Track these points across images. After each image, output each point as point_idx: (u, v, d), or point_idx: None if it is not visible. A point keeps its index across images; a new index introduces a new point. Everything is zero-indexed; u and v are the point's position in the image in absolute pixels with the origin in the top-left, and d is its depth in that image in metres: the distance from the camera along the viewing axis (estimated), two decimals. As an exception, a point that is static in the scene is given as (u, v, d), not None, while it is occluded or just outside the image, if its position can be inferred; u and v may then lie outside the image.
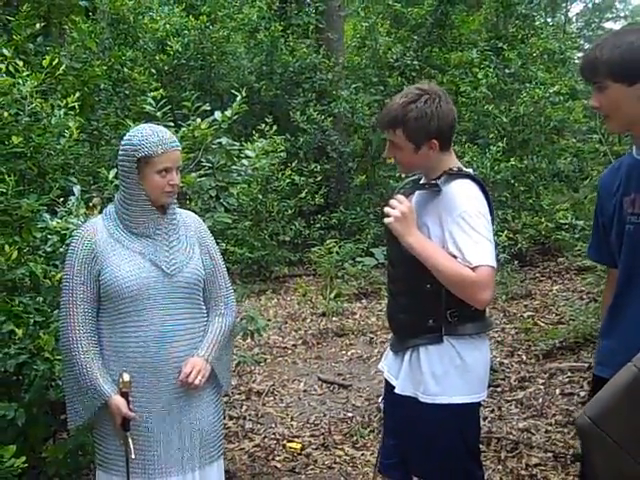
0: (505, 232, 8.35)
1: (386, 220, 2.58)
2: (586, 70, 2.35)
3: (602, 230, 2.56)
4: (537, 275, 9.05)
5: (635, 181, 2.38)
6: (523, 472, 4.21)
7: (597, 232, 2.64)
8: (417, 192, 2.75)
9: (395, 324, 2.86)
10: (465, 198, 2.56)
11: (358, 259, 9.49)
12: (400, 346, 2.79)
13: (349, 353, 6.79)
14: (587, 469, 1.99)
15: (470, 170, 2.71)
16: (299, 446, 4.75)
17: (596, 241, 2.65)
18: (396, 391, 2.75)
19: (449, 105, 2.66)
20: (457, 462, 2.69)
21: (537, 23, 14.06)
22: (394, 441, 2.86)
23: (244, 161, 4.42)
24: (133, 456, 2.66)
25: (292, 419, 5.26)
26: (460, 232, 2.52)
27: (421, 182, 2.77)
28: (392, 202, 2.59)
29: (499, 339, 6.62)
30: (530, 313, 7.37)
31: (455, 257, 2.51)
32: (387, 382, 2.88)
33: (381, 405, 2.97)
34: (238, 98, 4.34)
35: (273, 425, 5.13)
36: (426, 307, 2.66)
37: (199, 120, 4.25)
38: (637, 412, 1.87)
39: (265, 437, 4.92)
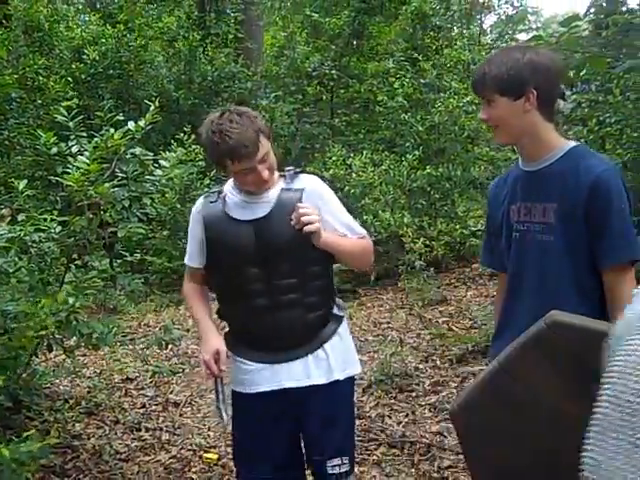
0: (421, 239, 8.50)
1: (313, 227, 2.65)
2: (476, 84, 2.49)
3: (493, 238, 2.70)
4: (452, 281, 9.22)
5: (520, 191, 2.53)
6: (435, 475, 4.29)
7: (488, 239, 2.79)
8: (293, 196, 2.79)
9: (298, 332, 2.83)
10: (325, 186, 2.88)
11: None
12: (308, 347, 2.84)
13: (268, 361, 6.78)
14: (465, 460, 2.13)
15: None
16: (215, 456, 4.72)
17: (488, 248, 2.80)
18: (321, 382, 2.83)
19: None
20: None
21: (453, 34, 14.41)
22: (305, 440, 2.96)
23: (158, 171, 4.41)
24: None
25: (209, 429, 5.23)
26: (340, 213, 2.86)
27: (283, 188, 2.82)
28: (303, 211, 2.66)
29: (414, 345, 6.72)
30: (445, 319, 7.51)
31: (345, 235, 2.83)
32: (291, 391, 2.85)
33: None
34: (152, 108, 4.34)
35: (190, 436, 5.09)
36: (327, 296, 2.90)
37: (112, 130, 4.23)
38: (498, 403, 2.01)
39: (182, 448, 4.88)
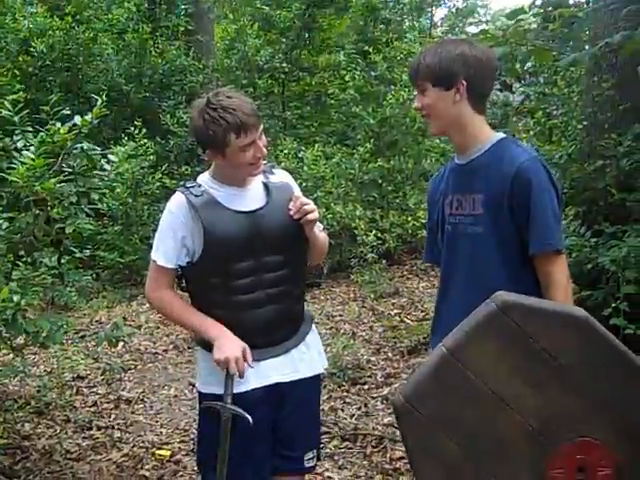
0: (374, 232, 8.55)
1: (314, 215, 2.72)
2: (412, 74, 2.56)
3: (432, 233, 2.75)
4: (405, 273, 9.29)
5: (452, 184, 2.59)
6: (387, 466, 4.33)
7: (429, 236, 2.83)
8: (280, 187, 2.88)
9: (285, 325, 2.82)
10: (292, 181, 2.99)
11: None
12: (292, 340, 2.85)
13: (219, 356, 6.76)
14: (406, 450, 2.11)
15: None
16: (168, 453, 4.69)
17: (429, 244, 2.83)
18: (305, 375, 2.85)
19: None
20: None
21: (404, 27, 14.47)
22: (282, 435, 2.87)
23: (107, 166, 4.36)
24: None
25: (162, 426, 5.21)
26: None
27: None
28: (304, 200, 2.73)
29: (367, 337, 6.77)
30: (397, 311, 7.57)
31: None
32: (276, 386, 2.80)
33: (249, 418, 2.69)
34: (99, 102, 4.29)
35: (142, 433, 5.06)
36: (304, 285, 2.99)
37: (59, 124, 4.17)
38: (444, 390, 2.01)
39: (134, 446, 4.84)
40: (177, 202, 2.76)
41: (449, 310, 2.55)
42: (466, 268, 2.50)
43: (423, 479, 2.09)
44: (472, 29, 24.30)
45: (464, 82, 2.41)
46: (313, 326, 2.97)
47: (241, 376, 2.66)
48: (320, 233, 2.91)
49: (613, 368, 1.99)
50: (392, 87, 10.45)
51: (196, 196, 2.72)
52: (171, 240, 2.73)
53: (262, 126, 2.70)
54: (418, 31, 13.51)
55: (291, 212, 2.71)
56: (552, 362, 1.98)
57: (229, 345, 2.66)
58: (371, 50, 11.19)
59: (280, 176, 2.92)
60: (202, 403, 2.83)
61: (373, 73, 10.97)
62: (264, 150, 2.70)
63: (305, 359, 2.86)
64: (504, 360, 1.98)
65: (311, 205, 2.71)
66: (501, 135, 2.52)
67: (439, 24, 22.98)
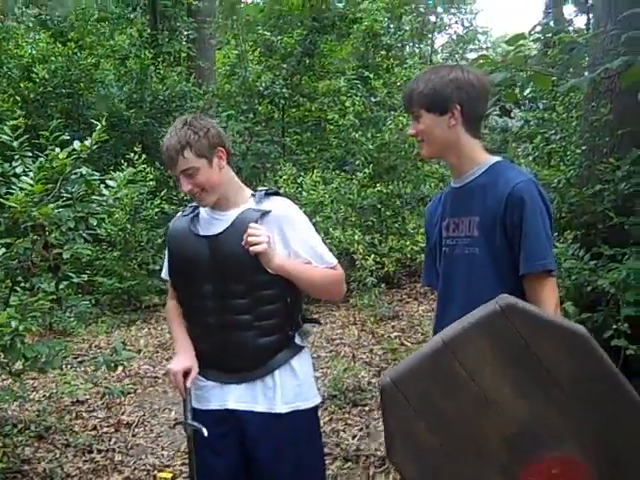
0: (372, 256, 8.56)
1: (258, 248, 2.58)
2: (406, 101, 2.56)
3: (430, 256, 2.76)
4: (404, 297, 9.29)
5: (449, 207, 2.60)
6: (390, 487, 4.33)
7: (427, 259, 2.83)
8: (251, 217, 2.73)
9: (248, 354, 2.76)
10: (296, 210, 2.80)
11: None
12: (255, 373, 2.76)
13: (220, 381, 6.75)
14: (385, 432, 2.08)
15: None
16: (170, 475, 4.67)
17: (427, 267, 2.82)
18: (261, 410, 2.74)
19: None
20: None
21: (405, 53, 14.56)
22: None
23: (105, 191, 4.38)
24: None
25: (163, 449, 5.19)
26: (310, 239, 2.76)
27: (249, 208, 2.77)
28: (251, 231, 2.60)
29: (367, 360, 6.75)
30: (397, 334, 7.56)
31: (310, 263, 2.73)
32: (235, 413, 2.78)
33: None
34: (98, 127, 4.31)
35: (143, 456, 5.05)
36: (286, 321, 2.78)
37: (58, 150, 4.19)
38: (432, 379, 1.99)
39: (135, 469, 4.83)
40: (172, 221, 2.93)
41: (449, 320, 2.53)
42: (463, 289, 2.50)
43: (397, 464, 2.08)
44: (472, 55, 24.51)
45: (458, 106, 2.43)
46: (297, 363, 2.80)
47: (181, 393, 2.76)
48: (322, 270, 2.76)
49: (602, 390, 1.98)
50: (392, 112, 10.50)
51: (184, 216, 2.87)
52: (166, 256, 2.92)
53: (191, 166, 2.65)
54: (419, 57, 13.56)
55: (242, 242, 2.62)
56: (544, 373, 1.97)
57: (176, 361, 2.78)
58: (372, 76, 11.26)
59: (273, 204, 2.75)
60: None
61: (373, 99, 11.02)
62: (183, 186, 2.69)
63: (268, 394, 2.75)
64: (497, 362, 1.97)
65: (259, 237, 2.58)
66: (496, 158, 2.53)
67: (440, 50, 23.10)
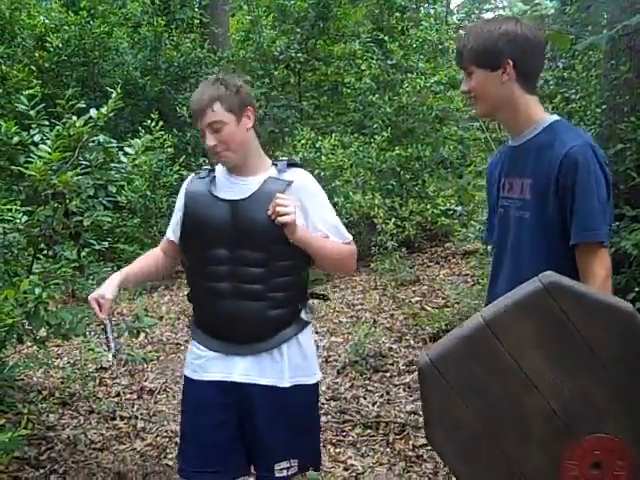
0: (393, 220, 8.53)
1: (287, 219, 2.55)
2: (457, 57, 2.48)
3: (491, 215, 2.70)
4: (425, 261, 9.26)
5: (506, 166, 2.54)
6: (410, 453, 4.34)
7: (488, 217, 2.77)
8: (274, 188, 2.70)
9: (257, 325, 2.74)
10: (315, 183, 2.79)
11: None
12: (265, 345, 2.73)
13: (242, 346, 6.78)
14: (424, 411, 2.07)
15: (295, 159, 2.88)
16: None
17: (489, 226, 2.75)
18: (267, 383, 2.72)
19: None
20: None
21: (420, 14, 14.37)
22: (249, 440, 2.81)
23: (123, 158, 4.37)
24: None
25: (185, 415, 5.24)
26: (328, 212, 2.78)
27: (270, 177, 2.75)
28: (279, 201, 2.56)
29: (388, 325, 6.76)
30: (418, 298, 7.55)
31: (327, 237, 2.73)
32: (240, 386, 2.76)
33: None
34: (114, 95, 4.29)
35: (165, 423, 5.08)
36: (297, 295, 2.79)
37: (75, 118, 4.18)
38: (473, 360, 1.97)
39: (157, 435, 4.88)
40: (185, 182, 2.92)
41: (497, 292, 2.43)
42: (513, 255, 2.45)
43: (435, 442, 2.07)
44: (489, 15, 24.14)
45: (510, 61, 2.33)
46: (303, 338, 2.80)
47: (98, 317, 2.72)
48: (338, 244, 2.76)
49: None
50: (408, 75, 10.39)
51: (200, 178, 2.84)
52: (175, 213, 2.94)
53: (218, 119, 2.64)
54: (434, 18, 13.35)
55: (268, 211, 2.60)
56: (588, 352, 1.93)
57: (97, 290, 2.78)
58: (387, 38, 11.14)
59: (295, 175, 2.75)
60: None
61: (389, 61, 10.91)
62: (208, 141, 2.67)
63: (275, 368, 2.73)
64: (540, 341, 1.95)
65: (288, 207, 2.55)
66: (555, 117, 2.44)
67: (455, 11, 22.77)
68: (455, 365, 1.99)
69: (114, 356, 2.82)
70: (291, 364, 2.75)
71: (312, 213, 2.71)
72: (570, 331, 1.93)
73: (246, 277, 2.69)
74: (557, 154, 2.28)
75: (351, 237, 2.81)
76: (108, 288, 2.74)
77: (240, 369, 2.75)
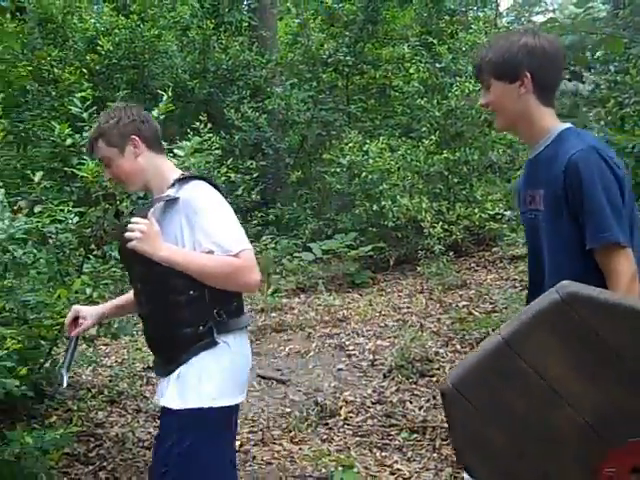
0: (440, 224, 8.49)
1: (130, 244, 2.48)
2: (476, 70, 2.49)
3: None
4: (472, 265, 9.18)
5: (525, 179, 2.54)
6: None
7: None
8: (158, 206, 2.65)
9: (161, 346, 2.71)
10: (203, 198, 2.58)
11: (296, 254, 9.55)
12: (171, 366, 2.62)
13: (287, 348, 6.81)
14: (452, 438, 2.06)
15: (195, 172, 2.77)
16: (237, 443, 4.74)
17: None
18: (176, 407, 2.57)
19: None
20: None
21: (469, 17, 14.29)
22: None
23: (173, 160, 4.41)
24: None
25: (230, 416, 5.25)
26: (211, 226, 2.52)
27: (157, 196, 2.68)
28: (130, 226, 2.49)
29: (434, 329, 6.71)
30: (465, 303, 7.48)
31: (212, 252, 2.50)
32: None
33: None
34: (165, 97, 4.34)
35: (209, 424, 5.11)
36: (190, 316, 2.59)
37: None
38: (496, 379, 1.93)
39: (201, 436, 4.91)
40: None
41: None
42: (547, 260, 2.41)
43: (473, 471, 2.02)
44: (539, 18, 23.89)
45: (528, 74, 2.33)
46: (199, 361, 2.58)
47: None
48: (216, 258, 2.50)
49: None
50: (457, 79, 10.33)
51: None
52: None
53: (104, 155, 2.66)
54: (483, 21, 13.25)
55: None
56: (613, 358, 1.89)
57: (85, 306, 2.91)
58: (435, 42, 11.09)
59: (186, 190, 2.59)
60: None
61: (438, 65, 10.86)
62: (104, 176, 2.77)
63: (172, 389, 2.60)
64: (564, 354, 1.90)
65: (132, 233, 2.47)
66: (565, 126, 2.40)
67: (505, 14, 22.62)
68: (478, 387, 1.95)
69: (67, 383, 2.78)
70: (186, 385, 2.58)
71: (196, 228, 2.54)
72: (593, 340, 1.89)
73: (149, 295, 2.68)
74: (561, 163, 2.27)
75: (239, 249, 2.49)
76: (93, 314, 2.81)
77: (158, 390, 2.74)
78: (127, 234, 2.48)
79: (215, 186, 2.65)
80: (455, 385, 1.96)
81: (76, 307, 2.83)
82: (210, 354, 2.58)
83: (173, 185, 2.62)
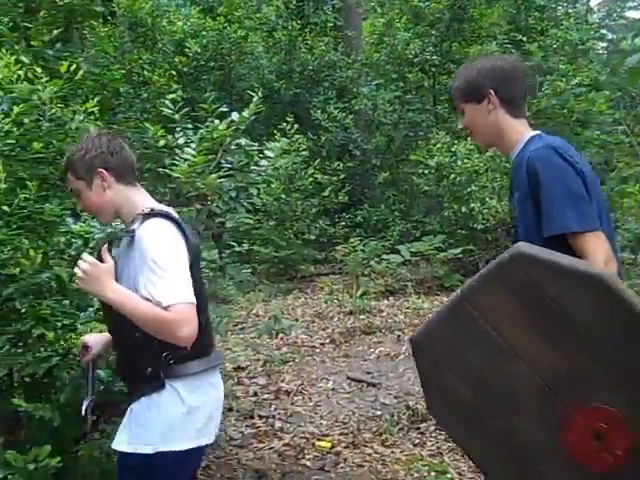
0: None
1: (75, 284, 2.51)
2: (451, 99, 2.73)
3: None
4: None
5: (510, 187, 2.68)
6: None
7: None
8: (124, 240, 2.58)
9: (124, 377, 2.72)
10: (153, 240, 2.43)
11: (384, 256, 9.50)
12: (129, 399, 2.56)
13: (377, 351, 6.77)
14: (422, 389, 2.17)
15: (163, 207, 2.58)
16: (329, 444, 4.73)
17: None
18: (124, 450, 2.50)
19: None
20: None
21: (558, 14, 13.98)
22: None
23: (263, 161, 4.42)
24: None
25: (321, 418, 5.25)
26: (151, 275, 2.38)
27: (126, 229, 2.58)
28: (78, 262, 2.43)
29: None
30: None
31: (150, 300, 2.36)
32: None
33: None
34: (255, 99, 4.34)
35: (302, 424, 5.12)
36: (141, 355, 2.49)
37: (217, 121, 4.25)
38: (456, 331, 2.03)
39: (295, 436, 4.92)
40: None
41: None
42: None
43: (439, 419, 2.16)
44: (631, 14, 23.19)
45: (492, 90, 2.52)
46: (152, 399, 2.48)
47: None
48: (152, 308, 2.35)
49: (633, 334, 1.88)
50: (548, 77, 10.11)
51: None
52: None
53: (73, 186, 2.59)
54: (574, 18, 12.94)
55: None
56: (571, 322, 1.92)
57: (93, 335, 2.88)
58: (525, 39, 10.88)
59: (145, 226, 2.46)
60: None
61: (527, 63, 10.64)
62: (78, 207, 2.71)
63: (122, 428, 2.55)
64: (517, 312, 1.96)
65: (81, 263, 2.41)
66: (533, 133, 2.54)
67: (596, 10, 22.04)
68: (439, 336, 2.06)
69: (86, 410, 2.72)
70: (131, 428, 2.51)
71: (139, 272, 2.41)
72: (543, 299, 1.92)
73: (110, 325, 2.68)
74: (523, 165, 2.42)
75: (171, 302, 2.33)
76: (98, 343, 2.78)
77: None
78: (74, 271, 2.45)
79: (178, 225, 2.51)
80: (418, 339, 2.10)
81: (83, 338, 2.81)
82: (159, 396, 2.48)
83: (136, 219, 2.51)
